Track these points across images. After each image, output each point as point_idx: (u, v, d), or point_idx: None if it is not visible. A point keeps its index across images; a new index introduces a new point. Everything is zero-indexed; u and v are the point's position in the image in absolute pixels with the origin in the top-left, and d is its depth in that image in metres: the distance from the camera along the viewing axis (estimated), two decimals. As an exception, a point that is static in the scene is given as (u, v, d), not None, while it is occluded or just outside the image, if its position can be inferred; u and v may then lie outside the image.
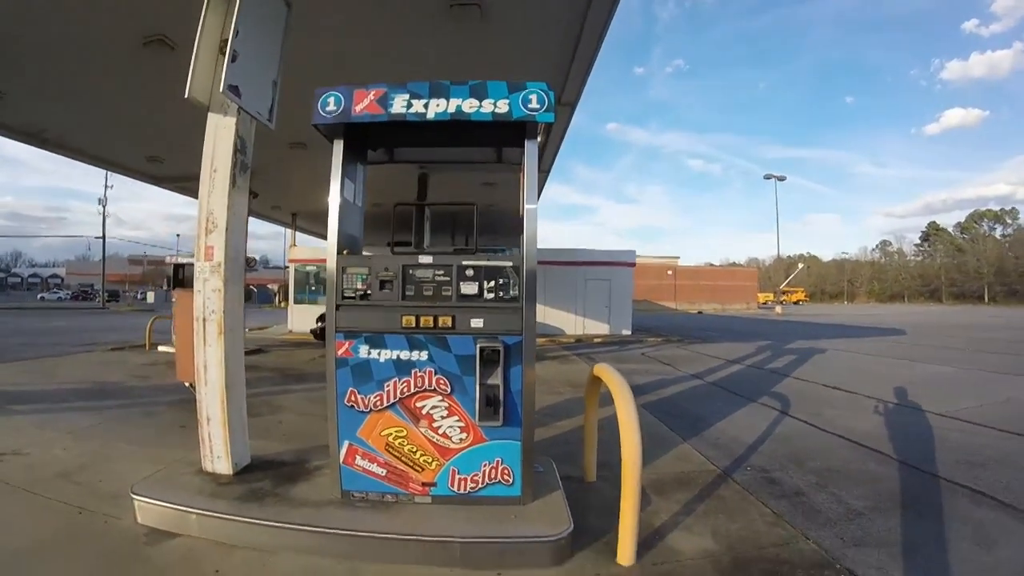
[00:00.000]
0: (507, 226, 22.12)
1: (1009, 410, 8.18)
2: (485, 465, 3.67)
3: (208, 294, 4.22)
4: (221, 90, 3.94)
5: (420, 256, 3.77)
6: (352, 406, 3.66)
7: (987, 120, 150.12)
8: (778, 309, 61.74)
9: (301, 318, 22.63)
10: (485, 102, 3.66)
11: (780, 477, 5.15)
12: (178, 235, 79.41)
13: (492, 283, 3.68)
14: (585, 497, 4.13)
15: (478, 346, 3.58)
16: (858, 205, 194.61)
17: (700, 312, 64.46)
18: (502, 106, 3.63)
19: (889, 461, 5.71)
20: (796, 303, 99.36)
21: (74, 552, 3.31)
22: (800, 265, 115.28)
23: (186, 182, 16.76)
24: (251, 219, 16.23)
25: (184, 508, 3.60)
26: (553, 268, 24.16)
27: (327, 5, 6.68)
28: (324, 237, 29.38)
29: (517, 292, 3.70)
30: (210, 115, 4.29)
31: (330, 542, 3.31)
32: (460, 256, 3.76)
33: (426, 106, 3.66)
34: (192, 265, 12.69)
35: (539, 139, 3.85)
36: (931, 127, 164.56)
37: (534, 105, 3.61)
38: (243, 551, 3.35)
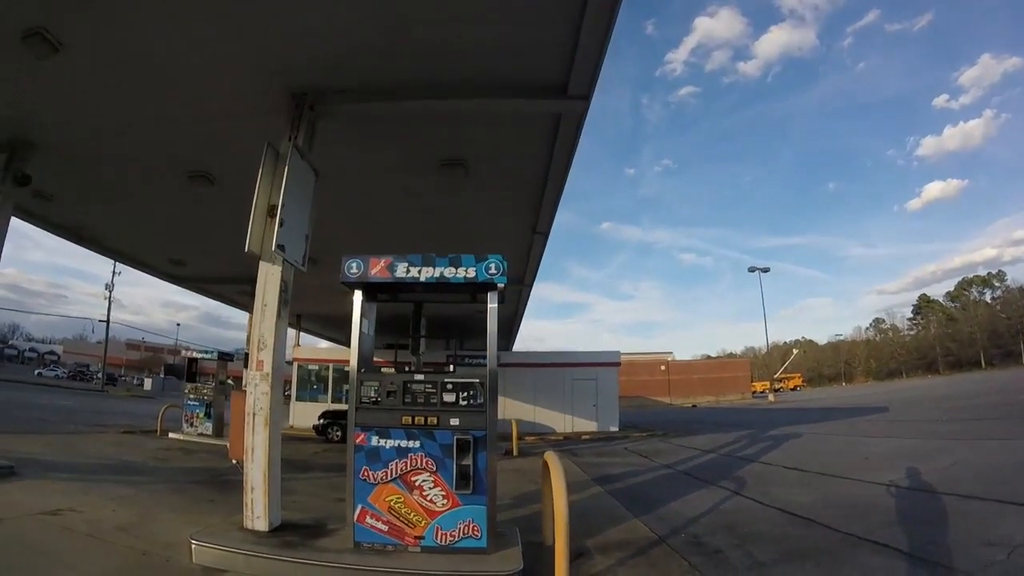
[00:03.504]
0: (498, 332, 23.57)
1: (950, 473, 8.89)
2: (460, 523, 5.02)
3: (258, 396, 5.72)
4: (272, 248, 5.51)
5: (415, 375, 5.39)
6: (365, 479, 5.06)
7: (966, 189, 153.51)
8: (771, 397, 62.23)
9: (303, 414, 23.49)
10: (459, 269, 5.34)
11: (708, 540, 6.13)
12: (178, 324, 79.58)
13: (465, 393, 5.22)
14: (540, 554, 5.25)
15: (455, 438, 5.06)
16: (850, 286, 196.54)
17: (694, 406, 64.28)
18: (471, 272, 5.32)
19: (813, 525, 6.56)
20: (793, 389, 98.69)
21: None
22: (795, 351, 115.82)
23: (203, 283, 18.18)
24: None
25: (233, 550, 4.93)
26: (541, 370, 25.57)
27: (344, 171, 8.32)
28: (326, 338, 30.68)
29: (483, 400, 5.22)
30: (261, 263, 5.87)
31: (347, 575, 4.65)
32: (443, 375, 5.37)
33: (419, 272, 5.38)
34: (204, 359, 14.22)
35: (501, 289, 5.48)
36: (913, 202, 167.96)
37: (493, 271, 5.32)
38: (281, 583, 4.62)
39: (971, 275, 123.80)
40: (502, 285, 5.38)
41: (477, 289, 5.65)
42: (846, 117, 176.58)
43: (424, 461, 5.06)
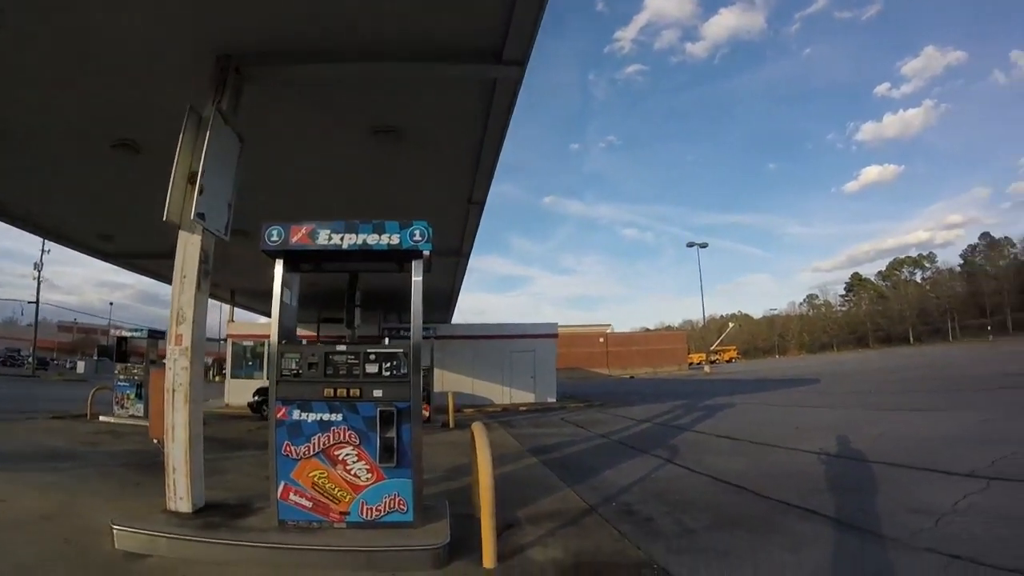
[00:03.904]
0: (434, 304, 23.32)
1: (879, 443, 9.20)
2: (386, 498, 4.91)
3: (178, 371, 5.46)
4: (192, 217, 5.28)
5: (337, 345, 5.21)
6: (287, 455, 4.90)
7: (903, 174, 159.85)
8: (706, 368, 63.82)
9: (238, 392, 22.98)
10: (383, 236, 5.15)
11: (639, 508, 6.22)
12: (111, 303, 76.20)
13: (389, 364, 5.06)
14: (471, 526, 5.07)
15: (378, 410, 4.90)
16: (787, 263, 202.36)
17: (632, 377, 65.84)
18: (395, 239, 5.15)
19: (744, 492, 6.72)
20: (729, 361, 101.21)
21: (69, 567, 4.35)
22: (731, 324, 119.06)
23: (132, 259, 17.55)
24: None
25: (155, 534, 4.73)
26: (480, 343, 25.58)
27: (274, 138, 8.03)
28: (262, 313, 30.16)
29: (407, 371, 5.05)
30: (180, 232, 5.60)
31: (271, 555, 4.49)
32: (366, 345, 5.22)
33: (342, 239, 5.16)
34: (134, 338, 13.67)
35: (425, 256, 5.31)
36: (851, 185, 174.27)
37: (417, 238, 5.16)
38: (203, 565, 4.44)
39: (903, 256, 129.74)
40: (427, 252, 5.22)
41: (402, 257, 5.45)
42: (789, 100, 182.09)
43: (347, 434, 4.92)
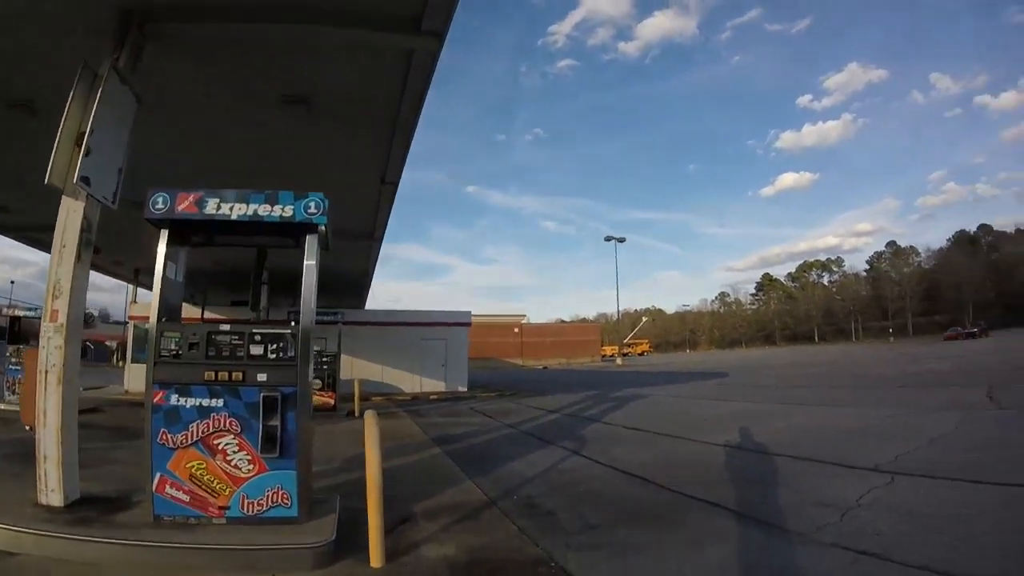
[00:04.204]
0: (347, 289, 22.78)
1: (784, 436, 9.34)
2: (268, 491, 4.60)
3: (51, 350, 4.99)
4: (75, 181, 4.83)
5: (221, 324, 4.85)
6: (163, 444, 4.52)
7: (817, 182, 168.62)
8: (619, 361, 64.93)
9: (139, 377, 21.59)
10: (276, 207, 4.82)
11: (541, 502, 6.09)
12: (12, 282, 71.01)
13: (275, 346, 4.74)
14: (364, 521, 4.75)
15: (261, 395, 4.59)
16: (701, 261, 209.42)
17: (545, 368, 66.06)
18: (288, 211, 4.82)
19: (649, 485, 6.69)
20: (641, 354, 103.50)
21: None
22: (644, 319, 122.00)
23: (29, 232, 16.52)
24: (93, 273, 16.06)
25: (23, 529, 4.32)
26: (391, 329, 25.26)
27: (178, 102, 7.53)
28: None
29: (294, 353, 4.76)
30: (64, 198, 5.13)
31: (143, 554, 4.15)
32: (252, 325, 4.90)
33: (231, 209, 4.78)
34: (29, 318, 12.70)
35: (322, 232, 4.99)
36: (767, 190, 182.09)
37: (312, 210, 4.85)
38: (74, 565, 4.09)
39: (813, 259, 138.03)
40: (323, 227, 4.92)
41: (296, 231, 5.10)
42: (714, 105, 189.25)
43: (228, 422, 4.58)
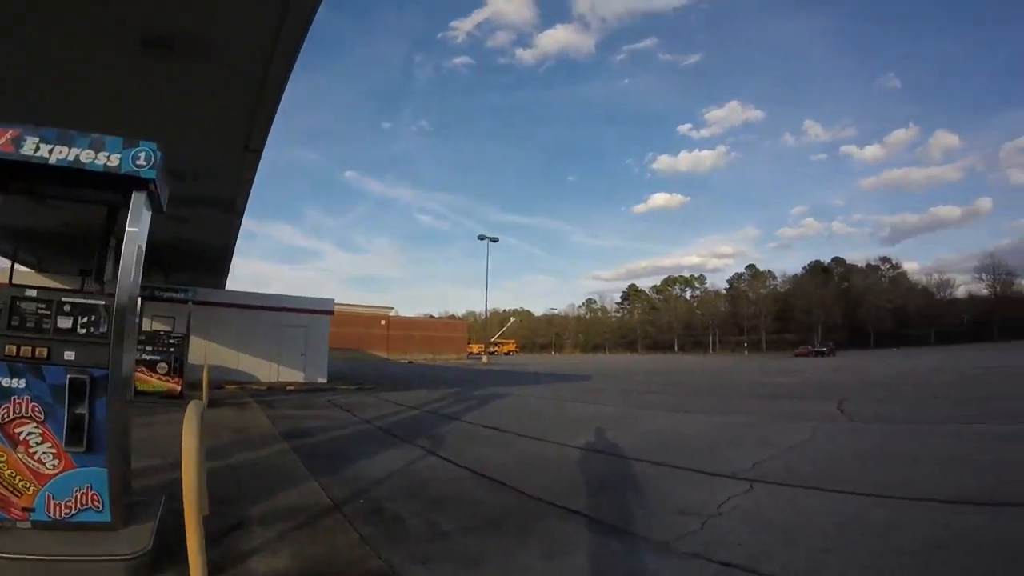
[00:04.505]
0: (204, 267, 21.36)
1: (645, 440, 9.33)
2: (77, 491, 3.84)
3: None
4: None
5: (27, 289, 3.97)
6: (-43, 431, 3.67)
7: (687, 204, 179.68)
8: (484, 359, 65.38)
9: None
10: (100, 154, 3.94)
11: (389, 506, 5.61)
12: None
13: (85, 319, 3.94)
14: None
15: (68, 377, 3.80)
16: (571, 268, 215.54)
17: (410, 362, 65.71)
18: (114, 160, 3.96)
19: (505, 489, 6.38)
20: (507, 353, 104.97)
21: None
22: (512, 319, 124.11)
23: None
24: None
25: None
26: (249, 313, 23.95)
27: (24, 32, 6.53)
28: (21, 261, 26.10)
29: (106, 329, 3.97)
30: None
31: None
32: (61, 292, 4.05)
33: (51, 151, 3.87)
34: None
35: (152, 190, 4.20)
36: (639, 207, 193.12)
37: (141, 162, 4.00)
38: None
39: (677, 275, 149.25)
40: (153, 184, 4.12)
41: (123, 185, 4.21)
42: (599, 121, 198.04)
43: (30, 407, 3.76)
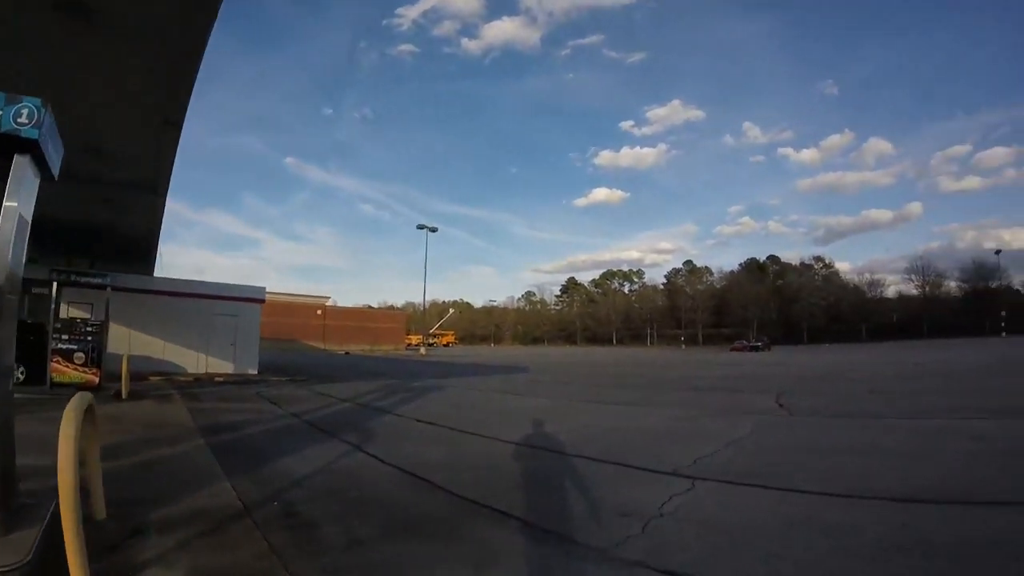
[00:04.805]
0: (130, 252, 20.47)
1: (583, 434, 9.15)
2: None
3: None
4: None
5: None
6: None
7: (627, 200, 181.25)
8: (422, 351, 65.04)
9: None
10: None
11: (305, 509, 5.21)
12: None
13: None
14: (88, 532, 3.67)
15: None
16: (511, 260, 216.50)
17: (347, 353, 64.66)
18: None
19: (433, 489, 6.04)
20: (446, 345, 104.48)
21: None
22: (451, 310, 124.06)
23: None
24: None
25: None
26: (175, 300, 22.95)
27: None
28: None
29: None
30: None
31: None
32: None
33: None
34: None
35: (37, 152, 3.66)
36: (580, 200, 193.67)
37: (23, 120, 3.42)
38: None
39: (616, 269, 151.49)
40: (39, 148, 3.51)
41: (3, 145, 3.53)
42: (543, 114, 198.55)
43: None
